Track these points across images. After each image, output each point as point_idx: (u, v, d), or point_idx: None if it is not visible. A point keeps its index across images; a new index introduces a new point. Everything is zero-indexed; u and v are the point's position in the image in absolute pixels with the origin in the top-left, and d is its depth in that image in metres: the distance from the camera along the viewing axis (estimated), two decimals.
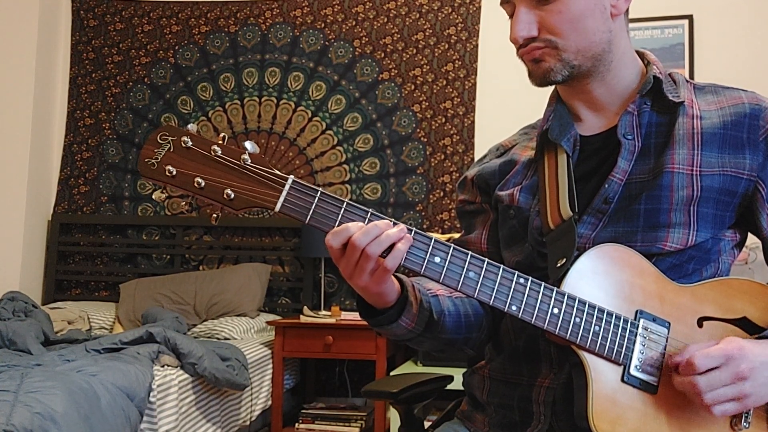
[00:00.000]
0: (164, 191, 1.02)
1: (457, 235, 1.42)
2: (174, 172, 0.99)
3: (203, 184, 0.99)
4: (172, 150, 1.00)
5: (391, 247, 1.00)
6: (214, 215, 1.04)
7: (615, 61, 1.19)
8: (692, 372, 0.99)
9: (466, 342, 1.26)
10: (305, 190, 1.01)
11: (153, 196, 1.02)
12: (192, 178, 0.99)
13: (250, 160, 1.00)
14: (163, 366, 2.82)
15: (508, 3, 1.19)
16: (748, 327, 1.10)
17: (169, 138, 1.00)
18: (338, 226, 1.01)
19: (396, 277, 1.14)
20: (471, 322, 1.25)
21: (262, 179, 1.00)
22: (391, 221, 1.01)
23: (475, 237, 1.33)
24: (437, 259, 1.02)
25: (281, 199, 1.00)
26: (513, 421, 1.19)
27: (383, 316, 1.13)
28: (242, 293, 3.85)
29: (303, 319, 3.56)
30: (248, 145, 1.01)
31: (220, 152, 1.00)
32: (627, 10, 1.21)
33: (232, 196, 1.00)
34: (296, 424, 3.60)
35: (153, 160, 1.00)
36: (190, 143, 1.00)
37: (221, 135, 1.02)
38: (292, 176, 1.01)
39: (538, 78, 1.18)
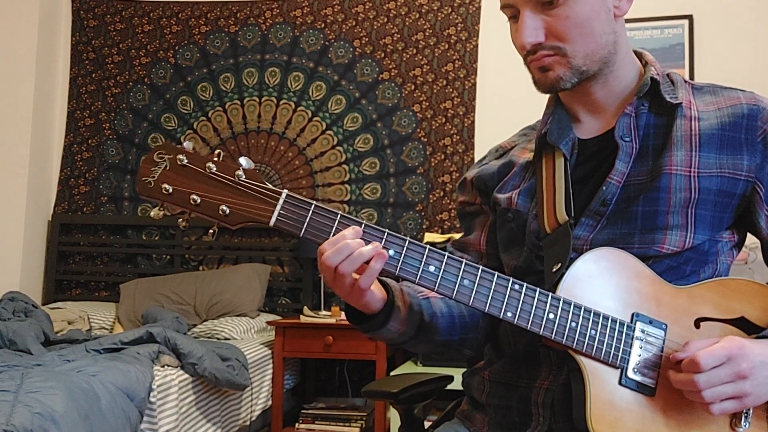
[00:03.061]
0: (161, 208, 1.04)
1: (457, 236, 1.43)
2: (170, 190, 1.01)
3: (199, 200, 1.01)
4: (168, 168, 1.02)
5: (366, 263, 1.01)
6: (211, 231, 1.06)
7: (618, 63, 1.19)
8: (695, 370, 0.99)
9: (462, 343, 1.26)
10: (299, 204, 1.02)
11: (151, 214, 1.05)
12: (188, 195, 1.01)
13: (244, 176, 1.02)
14: (163, 366, 2.82)
15: (509, 7, 1.17)
16: (747, 327, 1.10)
17: (166, 156, 1.02)
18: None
19: (383, 282, 1.14)
20: (466, 322, 1.25)
21: (256, 194, 1.02)
22: (360, 230, 1.02)
23: (474, 238, 1.34)
24: (431, 268, 1.03)
25: (275, 213, 1.01)
26: (512, 422, 1.19)
27: (370, 322, 1.14)
28: (242, 293, 3.85)
29: (303, 319, 3.56)
30: (243, 161, 1.03)
31: (215, 169, 1.02)
32: None
33: (228, 212, 1.01)
34: (296, 424, 3.60)
35: (150, 179, 1.02)
36: (186, 161, 1.02)
37: (216, 152, 1.03)
38: (285, 190, 1.02)
39: (546, 87, 1.18)
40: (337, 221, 1.02)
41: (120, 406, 2.41)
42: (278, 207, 1.01)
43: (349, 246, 1.00)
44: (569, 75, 1.15)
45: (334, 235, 1.02)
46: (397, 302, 1.14)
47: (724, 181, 1.14)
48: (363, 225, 1.03)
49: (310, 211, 1.02)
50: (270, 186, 1.02)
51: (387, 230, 1.03)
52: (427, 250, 1.03)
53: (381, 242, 1.02)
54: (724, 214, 1.16)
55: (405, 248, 1.03)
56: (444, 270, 1.03)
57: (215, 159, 1.02)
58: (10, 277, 4.05)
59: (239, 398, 3.30)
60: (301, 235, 1.02)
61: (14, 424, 1.96)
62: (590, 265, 1.09)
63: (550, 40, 1.14)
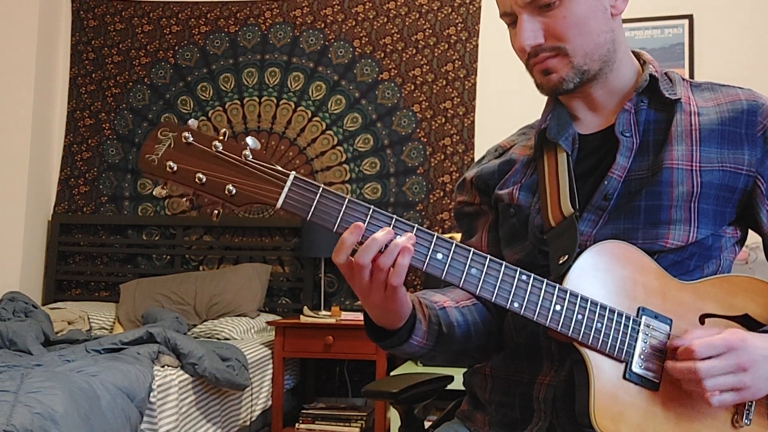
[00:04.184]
0: (164, 187, 1.00)
1: (457, 235, 1.42)
2: (175, 168, 0.97)
3: (204, 179, 0.98)
4: (172, 146, 0.98)
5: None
6: (216, 212, 1.01)
7: (617, 62, 1.19)
8: (691, 357, 0.99)
9: (477, 349, 1.25)
10: (307, 187, 0.99)
11: (153, 192, 1.02)
12: (193, 174, 0.98)
13: (251, 156, 0.99)
14: (163, 366, 2.82)
15: (508, 14, 1.17)
16: (750, 324, 1.10)
17: (170, 134, 0.99)
18: (339, 223, 0.99)
19: None
20: (480, 329, 1.24)
21: (263, 175, 0.99)
22: (391, 224, 1.00)
23: (476, 241, 1.33)
24: (439, 256, 1.01)
25: (283, 195, 0.99)
26: (513, 420, 1.19)
27: (394, 337, 1.13)
28: (242, 293, 3.84)
29: (303, 319, 3.56)
30: (249, 140, 1.00)
31: (221, 148, 0.98)
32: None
33: (234, 191, 0.98)
34: (296, 425, 3.59)
35: (153, 156, 0.98)
36: (191, 139, 0.98)
37: (222, 131, 1.00)
38: (293, 172, 0.99)
39: (549, 89, 1.18)
40: (344, 205, 1.00)
41: (120, 407, 2.40)
42: (286, 188, 0.99)
43: (377, 241, 0.97)
44: (571, 75, 1.15)
45: (341, 220, 0.99)
46: (418, 314, 1.14)
47: (725, 176, 1.14)
48: (371, 210, 1.00)
49: (318, 194, 0.99)
50: (278, 167, 1.00)
51: (395, 216, 1.01)
52: (435, 237, 1.02)
53: (390, 228, 1.00)
54: (726, 208, 1.16)
55: (412, 249, 1.01)
56: (452, 258, 1.01)
57: (221, 138, 0.99)
58: (10, 277, 4.05)
59: (239, 398, 3.29)
60: (308, 218, 0.99)
61: (14, 424, 1.96)
62: (596, 258, 1.08)
63: (549, 41, 1.14)
